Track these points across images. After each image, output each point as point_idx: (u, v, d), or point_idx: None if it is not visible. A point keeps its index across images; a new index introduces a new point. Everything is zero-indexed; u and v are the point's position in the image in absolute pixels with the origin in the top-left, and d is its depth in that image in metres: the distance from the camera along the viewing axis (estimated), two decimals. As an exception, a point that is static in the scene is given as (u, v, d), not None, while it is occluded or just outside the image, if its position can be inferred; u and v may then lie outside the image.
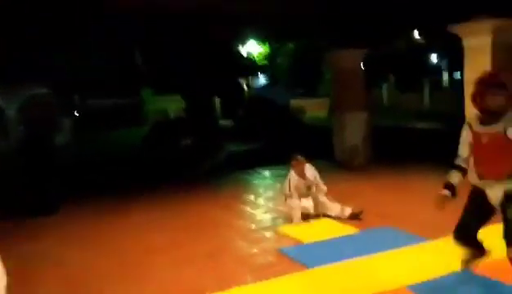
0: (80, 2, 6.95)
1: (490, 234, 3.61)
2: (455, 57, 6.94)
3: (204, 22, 9.26)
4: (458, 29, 7.00)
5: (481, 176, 3.14)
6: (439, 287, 3.64)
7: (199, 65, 14.21)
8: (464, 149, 3.22)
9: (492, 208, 3.18)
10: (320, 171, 5.94)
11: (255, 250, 4.93)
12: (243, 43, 21.82)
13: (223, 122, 21.48)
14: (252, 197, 7.48)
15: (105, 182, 9.56)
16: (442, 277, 3.78)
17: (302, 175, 5.70)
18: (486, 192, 3.15)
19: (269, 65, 26.75)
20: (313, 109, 25.15)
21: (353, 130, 9.46)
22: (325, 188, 5.82)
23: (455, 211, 5.29)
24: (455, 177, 3.26)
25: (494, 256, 3.96)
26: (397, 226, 5.19)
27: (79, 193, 8.21)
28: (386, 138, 11.36)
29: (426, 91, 25.33)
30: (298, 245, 4.93)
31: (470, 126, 3.14)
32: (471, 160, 3.20)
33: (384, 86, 28.21)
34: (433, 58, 32.67)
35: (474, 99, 3.06)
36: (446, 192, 3.25)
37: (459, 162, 3.26)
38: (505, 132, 2.94)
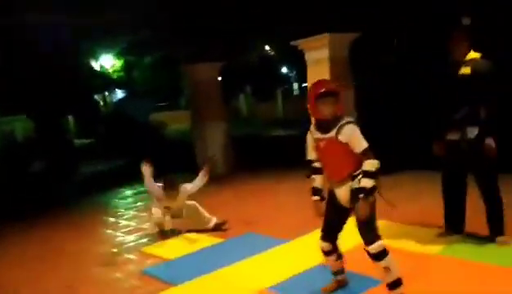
0: None
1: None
2: (303, 68, 7.58)
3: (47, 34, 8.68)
4: (300, 44, 7.59)
5: (329, 178, 3.34)
6: (298, 283, 3.88)
7: (43, 83, 13.17)
8: (312, 154, 3.38)
9: (346, 209, 3.33)
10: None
11: (118, 274, 4.72)
12: (95, 57, 20.85)
13: (82, 142, 20.25)
14: (113, 218, 7.15)
15: None
16: (301, 273, 4.04)
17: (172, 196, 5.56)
18: (335, 192, 3.32)
19: (127, 79, 25.93)
20: (175, 122, 25.02)
21: (213, 140, 9.65)
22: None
23: (307, 215, 5.70)
24: (317, 181, 3.41)
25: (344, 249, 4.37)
26: (262, 232, 5.41)
27: None
28: (246, 147, 11.82)
29: (279, 100, 26.94)
30: (163, 263, 4.84)
31: (312, 133, 3.32)
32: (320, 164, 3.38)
33: (242, 97, 29.31)
34: (285, 69, 34.91)
35: (308, 108, 3.25)
36: (317, 198, 3.40)
37: (315, 164, 3.39)
38: (337, 137, 3.13)
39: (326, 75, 7.29)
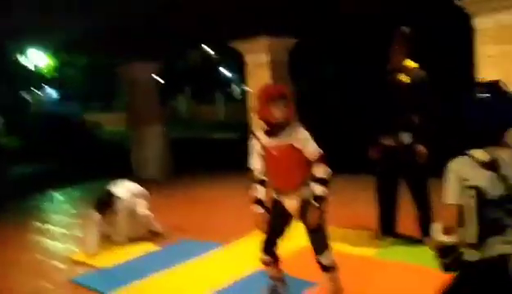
0: None
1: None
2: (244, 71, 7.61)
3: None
4: (239, 46, 7.57)
5: (277, 188, 3.20)
6: (235, 289, 3.82)
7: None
8: (256, 162, 3.21)
9: (291, 218, 3.25)
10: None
11: (46, 284, 4.44)
12: (25, 54, 19.77)
13: (8, 142, 19.06)
14: (41, 224, 6.75)
15: None
16: (238, 278, 3.98)
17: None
18: (283, 203, 3.20)
19: (60, 79, 24.79)
20: (111, 123, 24.23)
21: (150, 143, 9.41)
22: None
23: (245, 219, 5.66)
24: (260, 192, 3.23)
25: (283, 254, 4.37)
26: (197, 238, 5.29)
27: None
28: (184, 150, 11.62)
29: (220, 102, 26.86)
30: (94, 272, 4.61)
31: (258, 139, 3.16)
32: (267, 172, 3.22)
33: (181, 99, 28.93)
34: (226, 71, 34.89)
35: (258, 111, 3.09)
36: (260, 209, 3.22)
37: (258, 175, 3.23)
38: (290, 143, 3.01)
39: (266, 78, 7.32)
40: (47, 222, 6.84)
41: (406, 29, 4.21)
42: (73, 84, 25.77)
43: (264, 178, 3.24)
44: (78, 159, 12.71)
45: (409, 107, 4.08)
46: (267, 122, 3.07)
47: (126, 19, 8.49)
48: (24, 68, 21.03)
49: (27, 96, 24.35)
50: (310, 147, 3.02)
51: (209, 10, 8.11)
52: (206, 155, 11.93)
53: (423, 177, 4.28)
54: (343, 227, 5.09)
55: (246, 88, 8.01)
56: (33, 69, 22.18)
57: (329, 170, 3.04)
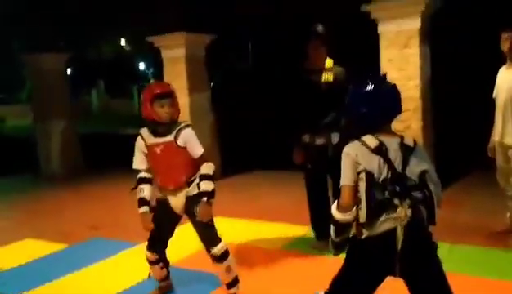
0: None
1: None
2: (161, 66, 7.44)
3: None
4: (155, 41, 7.43)
5: (162, 187, 3.18)
6: (147, 287, 3.75)
7: None
8: (140, 161, 3.21)
9: (179, 217, 3.27)
10: (22, 187, 5.34)
11: None
12: None
13: None
14: None
15: None
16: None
17: None
18: (169, 201, 3.19)
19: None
20: (15, 116, 22.61)
21: (57, 138, 8.94)
22: None
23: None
24: (146, 191, 3.20)
25: (187, 252, 4.38)
26: (109, 236, 5.14)
27: None
28: (96, 146, 11.15)
29: (135, 96, 26.13)
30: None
31: (143, 138, 3.14)
32: (152, 171, 3.20)
33: (94, 92, 27.72)
34: (142, 65, 33.98)
35: (142, 111, 3.05)
36: (146, 208, 3.19)
37: (143, 174, 3.22)
38: (176, 141, 3.03)
39: (183, 74, 7.27)
40: None
41: (320, 28, 4.20)
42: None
43: (149, 176, 3.23)
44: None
45: (337, 106, 3.98)
46: (152, 122, 3.06)
47: (34, 5, 8.00)
48: None
49: None
50: (194, 145, 3.07)
51: (127, 2, 7.92)
52: (117, 151, 11.53)
53: None
54: (254, 220, 5.23)
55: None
56: None
57: (213, 166, 3.12)
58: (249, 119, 11.48)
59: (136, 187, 3.25)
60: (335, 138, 4.12)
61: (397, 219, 2.04)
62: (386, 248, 2.06)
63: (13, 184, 8.55)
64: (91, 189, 7.80)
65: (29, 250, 4.86)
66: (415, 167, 2.09)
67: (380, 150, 2.09)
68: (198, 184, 3.09)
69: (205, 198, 3.03)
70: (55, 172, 8.90)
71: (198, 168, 3.12)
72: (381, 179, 2.07)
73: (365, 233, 2.10)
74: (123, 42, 27.37)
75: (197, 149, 3.08)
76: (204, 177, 3.07)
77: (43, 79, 8.89)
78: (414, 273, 2.12)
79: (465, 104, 8.13)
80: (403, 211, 2.03)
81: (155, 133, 3.10)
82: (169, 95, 3.05)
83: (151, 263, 3.36)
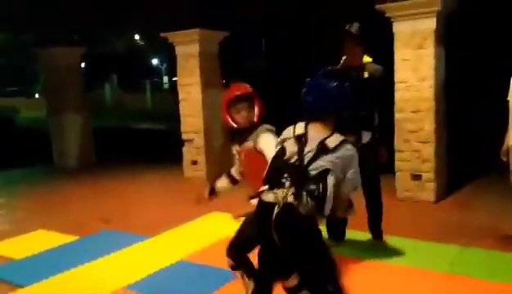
0: None
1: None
2: (174, 61, 7.47)
3: None
4: (170, 37, 7.47)
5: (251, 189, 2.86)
6: (157, 280, 3.82)
7: None
8: (236, 170, 3.08)
9: None
10: (35, 179, 5.40)
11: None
12: None
13: None
14: None
15: None
16: (160, 271, 3.97)
17: None
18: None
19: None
20: (29, 109, 22.88)
21: (71, 131, 9.04)
22: None
23: (170, 210, 5.67)
24: (221, 182, 3.13)
25: (197, 247, 4.42)
26: (122, 228, 5.19)
27: None
28: (109, 139, 11.26)
29: (148, 92, 26.27)
30: (8, 263, 4.39)
31: (232, 144, 3.00)
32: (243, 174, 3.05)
33: (107, 87, 27.93)
34: (155, 61, 34.14)
35: (222, 117, 2.91)
36: (206, 192, 3.13)
37: (232, 170, 3.12)
38: (255, 147, 2.80)
39: (196, 70, 7.32)
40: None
41: (355, 27, 4.04)
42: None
43: (234, 174, 3.11)
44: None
45: (369, 104, 3.93)
46: (232, 128, 2.88)
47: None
48: None
49: None
50: (266, 150, 2.72)
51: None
52: (129, 145, 11.65)
53: (377, 177, 4.20)
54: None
55: (175, 79, 7.91)
56: None
57: None
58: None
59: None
60: (366, 137, 4.01)
61: (277, 196, 2.26)
62: (264, 216, 2.29)
63: (27, 176, 8.68)
64: (103, 182, 7.89)
65: (41, 240, 4.95)
66: (321, 165, 2.24)
67: (299, 139, 2.33)
68: None
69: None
70: (68, 165, 9.00)
71: None
72: (289, 161, 2.31)
73: (261, 196, 2.36)
74: (137, 37, 27.48)
75: (267, 154, 2.68)
76: None
77: (57, 73, 8.98)
78: (282, 248, 2.30)
79: (479, 106, 8.07)
80: (284, 192, 2.25)
81: (234, 139, 2.95)
82: (245, 99, 2.82)
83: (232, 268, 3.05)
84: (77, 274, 4.00)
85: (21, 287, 3.80)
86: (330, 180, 2.20)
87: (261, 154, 2.75)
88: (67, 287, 3.80)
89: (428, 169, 5.51)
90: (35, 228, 5.37)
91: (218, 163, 7.47)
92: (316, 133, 2.33)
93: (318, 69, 4.22)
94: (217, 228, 4.93)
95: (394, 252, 4.09)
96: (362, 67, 4.08)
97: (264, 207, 2.32)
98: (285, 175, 2.28)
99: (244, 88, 2.88)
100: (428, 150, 5.50)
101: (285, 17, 10.67)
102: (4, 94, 24.20)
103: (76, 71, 9.31)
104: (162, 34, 7.56)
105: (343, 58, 4.18)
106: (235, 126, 2.85)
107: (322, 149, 2.26)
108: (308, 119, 2.39)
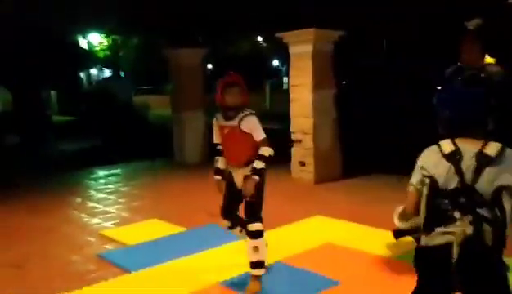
0: None
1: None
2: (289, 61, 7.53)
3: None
4: (284, 37, 7.48)
5: (229, 162, 3.67)
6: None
7: (24, 55, 12.85)
8: (216, 137, 3.70)
9: (240, 190, 3.59)
10: (157, 171, 5.73)
11: (74, 257, 4.60)
12: (82, 34, 20.50)
13: (63, 118, 19.90)
14: (80, 199, 7.01)
15: None
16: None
17: None
18: (232, 175, 3.65)
19: (113, 59, 25.54)
20: (160, 106, 24.74)
21: (191, 128, 9.53)
22: None
23: (281, 207, 5.64)
24: (220, 163, 3.70)
25: (297, 250, 4.34)
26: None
27: None
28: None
29: (267, 92, 26.79)
30: (120, 248, 4.74)
31: (217, 119, 3.64)
32: (223, 148, 3.67)
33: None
34: (276, 62, 34.80)
35: (216, 97, 3.52)
36: (219, 177, 3.70)
37: (219, 147, 3.69)
38: (239, 126, 3.44)
39: (308, 70, 7.22)
40: (86, 198, 7.10)
41: (474, 22, 3.76)
42: (125, 64, 26.46)
43: (222, 150, 3.69)
44: (123, 139, 13.09)
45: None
46: (222, 107, 3.53)
47: (175, 3, 8.61)
48: (81, 48, 21.86)
49: (81, 75, 25.27)
50: (256, 131, 3.46)
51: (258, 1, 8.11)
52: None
53: None
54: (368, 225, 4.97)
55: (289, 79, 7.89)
56: (88, 47, 22.97)
57: (271, 150, 3.46)
58: (377, 119, 11.04)
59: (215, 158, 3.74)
60: None
61: (453, 234, 1.88)
62: (441, 262, 1.92)
63: (150, 168, 9.37)
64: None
65: (153, 229, 5.26)
66: (490, 181, 1.87)
67: (452, 157, 1.93)
68: (254, 163, 3.44)
69: (251, 173, 3.40)
70: (186, 159, 9.51)
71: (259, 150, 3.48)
72: (448, 188, 1.92)
73: (422, 242, 2.00)
74: (259, 38, 28.22)
75: (259, 134, 3.47)
76: (259, 157, 3.44)
77: (181, 73, 9.54)
78: (466, 289, 1.94)
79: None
80: (461, 227, 1.87)
81: (225, 117, 3.55)
82: (237, 85, 3.50)
83: (228, 228, 3.80)
84: (178, 265, 4.17)
85: (128, 271, 4.07)
86: (506, 198, 1.85)
87: (244, 133, 3.44)
88: (168, 276, 3.96)
89: None
90: (151, 217, 5.75)
91: (325, 165, 7.31)
92: (467, 147, 1.94)
93: (442, 67, 3.90)
94: (319, 232, 4.80)
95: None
96: (481, 68, 3.67)
97: (434, 252, 1.96)
98: (453, 206, 1.91)
99: (237, 77, 3.55)
100: None
101: (408, 17, 10.10)
102: (140, 92, 26.49)
103: (198, 71, 9.76)
104: (277, 35, 7.60)
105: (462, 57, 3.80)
106: (227, 105, 3.48)
107: (482, 163, 1.89)
108: (450, 135, 2.00)
